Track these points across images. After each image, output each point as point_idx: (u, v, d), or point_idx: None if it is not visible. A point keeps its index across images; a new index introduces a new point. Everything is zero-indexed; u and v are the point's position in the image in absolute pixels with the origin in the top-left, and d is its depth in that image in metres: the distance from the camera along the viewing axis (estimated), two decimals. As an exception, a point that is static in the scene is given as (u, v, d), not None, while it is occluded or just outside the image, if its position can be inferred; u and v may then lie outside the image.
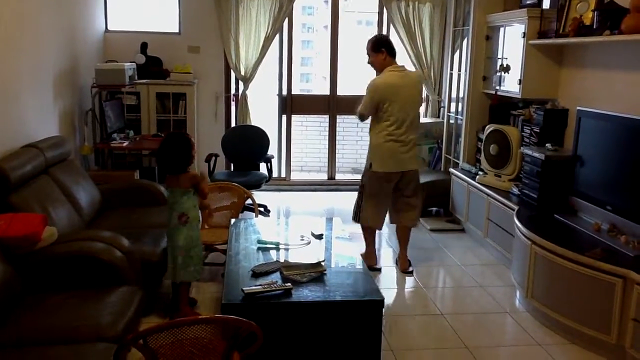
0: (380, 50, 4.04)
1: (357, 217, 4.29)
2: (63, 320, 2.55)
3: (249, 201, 4.36)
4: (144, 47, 5.89)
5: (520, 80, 4.55)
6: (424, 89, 6.52)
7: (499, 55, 4.99)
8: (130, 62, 5.52)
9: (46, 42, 4.36)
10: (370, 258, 4.24)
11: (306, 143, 7.92)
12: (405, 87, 4.01)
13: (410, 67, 6.40)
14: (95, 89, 5.19)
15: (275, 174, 6.09)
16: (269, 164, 5.62)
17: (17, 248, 2.82)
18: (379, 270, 4.30)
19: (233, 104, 6.47)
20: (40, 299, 2.74)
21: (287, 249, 3.29)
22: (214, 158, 5.51)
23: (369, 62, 4.13)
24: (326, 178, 6.91)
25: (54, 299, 2.72)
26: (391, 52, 4.08)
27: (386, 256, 4.67)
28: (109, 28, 6.03)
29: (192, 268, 3.34)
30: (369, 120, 4.13)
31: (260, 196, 5.96)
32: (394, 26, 6.30)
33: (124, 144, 5.18)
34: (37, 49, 4.18)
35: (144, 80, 5.72)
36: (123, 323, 2.57)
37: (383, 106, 3.97)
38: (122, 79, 5.07)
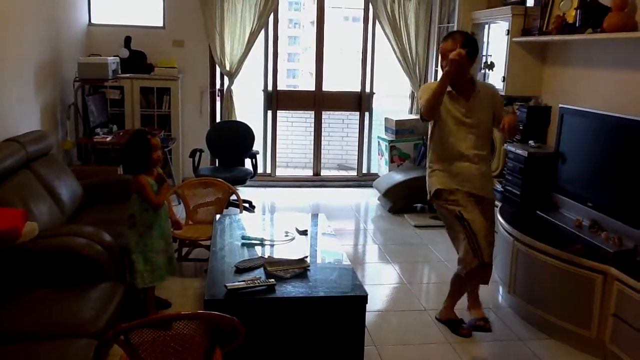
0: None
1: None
2: (44, 316, 2.52)
3: (233, 197, 4.34)
4: (127, 41, 5.83)
5: (504, 77, 4.58)
6: (409, 85, 6.56)
7: (484, 53, 5.02)
8: (114, 56, 5.46)
9: (28, 35, 4.30)
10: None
11: (292, 139, 7.92)
12: None
13: (396, 64, 6.42)
14: (78, 82, 5.13)
15: (260, 170, 6.08)
16: (254, 160, 5.60)
17: (-3, 243, 2.79)
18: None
19: (218, 99, 6.44)
20: (20, 294, 2.70)
21: (271, 245, 3.29)
22: (198, 153, 5.48)
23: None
24: (311, 174, 6.90)
25: (34, 295, 2.69)
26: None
27: (371, 252, 4.69)
28: (92, 21, 5.96)
29: (146, 274, 3.14)
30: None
31: (245, 192, 5.95)
32: (380, 22, 6.30)
33: (107, 139, 5.13)
34: (19, 42, 4.12)
35: (128, 75, 5.67)
36: (105, 319, 2.55)
37: None
38: (105, 73, 5.03)
